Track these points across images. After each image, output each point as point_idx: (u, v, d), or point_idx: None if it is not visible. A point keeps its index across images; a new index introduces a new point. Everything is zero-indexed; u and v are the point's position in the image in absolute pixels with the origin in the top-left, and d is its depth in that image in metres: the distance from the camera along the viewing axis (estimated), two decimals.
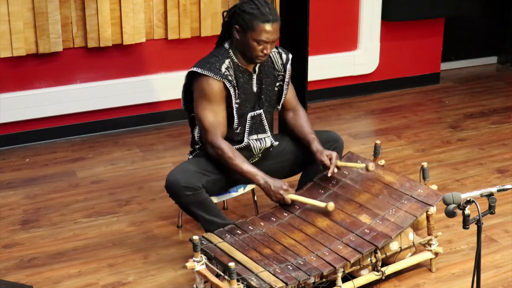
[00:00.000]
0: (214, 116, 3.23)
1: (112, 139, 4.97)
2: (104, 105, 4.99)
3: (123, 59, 4.98)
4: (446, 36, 6.10)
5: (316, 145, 3.43)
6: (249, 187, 3.57)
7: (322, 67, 5.59)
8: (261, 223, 3.26)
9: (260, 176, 3.26)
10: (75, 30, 4.75)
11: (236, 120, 3.30)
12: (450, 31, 6.16)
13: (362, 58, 5.77)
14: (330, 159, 3.38)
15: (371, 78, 5.89)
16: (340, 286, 3.03)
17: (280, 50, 3.44)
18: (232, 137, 3.34)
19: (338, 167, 3.41)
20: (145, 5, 4.90)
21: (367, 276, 3.16)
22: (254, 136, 3.40)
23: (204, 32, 5.05)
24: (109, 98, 4.97)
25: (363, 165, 3.39)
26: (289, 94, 3.52)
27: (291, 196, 3.27)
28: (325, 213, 3.26)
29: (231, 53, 3.28)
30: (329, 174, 3.38)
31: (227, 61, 3.25)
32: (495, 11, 6.64)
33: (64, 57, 4.80)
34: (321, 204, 3.22)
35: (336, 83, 5.77)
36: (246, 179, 3.35)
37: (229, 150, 3.24)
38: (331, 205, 3.19)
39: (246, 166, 3.26)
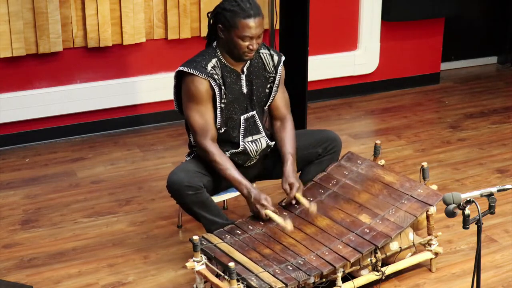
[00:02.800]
0: (202, 118, 3.23)
1: (112, 139, 4.97)
2: (104, 105, 4.99)
3: (123, 59, 4.98)
4: (446, 36, 6.10)
5: (287, 168, 3.34)
6: None
7: (322, 67, 5.59)
8: (260, 222, 3.26)
9: (244, 185, 3.23)
10: (75, 30, 4.75)
11: (219, 120, 3.27)
12: (450, 31, 6.16)
13: (362, 58, 5.77)
14: (291, 189, 3.31)
15: (371, 78, 5.89)
16: (340, 286, 3.03)
17: (272, 52, 3.42)
18: (228, 140, 3.33)
19: (295, 198, 3.33)
20: (145, 5, 4.90)
21: (367, 276, 3.16)
22: (249, 138, 3.39)
23: (204, 32, 5.05)
24: (109, 98, 4.98)
25: (307, 204, 3.26)
26: (280, 102, 3.47)
27: (267, 212, 3.22)
28: (325, 212, 3.26)
29: (219, 52, 3.27)
30: (283, 203, 3.34)
31: (213, 60, 3.24)
32: (495, 11, 6.64)
33: (64, 57, 4.80)
34: (282, 222, 3.15)
35: (336, 83, 5.77)
36: (263, 177, 3.34)
37: (216, 154, 3.23)
38: (288, 226, 3.13)
39: (231, 173, 3.23)
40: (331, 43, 5.63)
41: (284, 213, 3.32)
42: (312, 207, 3.24)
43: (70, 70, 4.86)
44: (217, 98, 3.23)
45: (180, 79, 3.29)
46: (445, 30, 6.04)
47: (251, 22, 3.13)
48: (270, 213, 3.23)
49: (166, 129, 5.14)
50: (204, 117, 3.23)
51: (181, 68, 3.23)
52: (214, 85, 3.21)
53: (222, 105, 3.26)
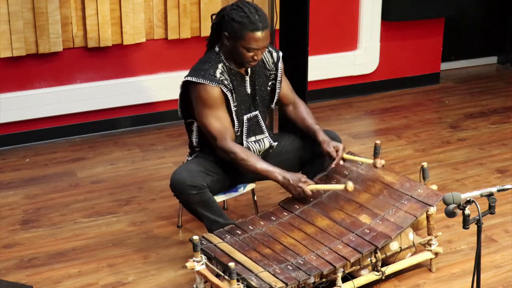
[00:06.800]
0: (219, 121, 3.23)
1: (112, 139, 4.97)
2: (104, 105, 4.99)
3: (123, 59, 4.98)
4: (446, 36, 6.10)
5: (322, 135, 3.43)
6: (249, 187, 3.57)
7: (322, 67, 5.59)
8: (261, 222, 3.26)
9: (277, 172, 3.24)
10: (75, 30, 4.75)
11: (236, 124, 3.30)
12: (450, 31, 6.16)
13: (362, 58, 5.77)
14: (337, 151, 3.39)
15: (371, 78, 5.89)
16: (340, 286, 3.03)
17: (271, 49, 3.43)
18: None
19: (344, 159, 3.42)
20: (145, 5, 4.89)
21: (367, 276, 3.16)
22: (252, 138, 3.40)
23: (204, 32, 5.05)
24: (109, 98, 4.98)
25: (370, 160, 3.38)
26: (285, 89, 3.51)
27: (311, 187, 3.25)
28: (325, 212, 3.26)
29: (223, 57, 3.27)
30: (333, 165, 3.38)
31: (220, 66, 3.24)
32: (495, 11, 6.64)
33: (64, 57, 4.80)
34: (340, 187, 3.22)
35: (336, 83, 5.77)
36: (263, 177, 3.34)
37: (241, 152, 3.23)
38: (350, 185, 3.18)
39: (260, 165, 3.24)
40: (331, 43, 5.63)
41: (285, 213, 3.32)
42: (379, 162, 3.34)
43: (70, 70, 4.86)
44: (231, 103, 3.24)
45: (187, 87, 3.28)
46: (445, 30, 6.04)
47: (259, 34, 3.14)
48: (316, 186, 3.26)
49: (166, 129, 5.14)
50: (221, 120, 3.23)
51: (189, 79, 3.22)
52: (226, 91, 3.22)
53: (235, 108, 3.27)
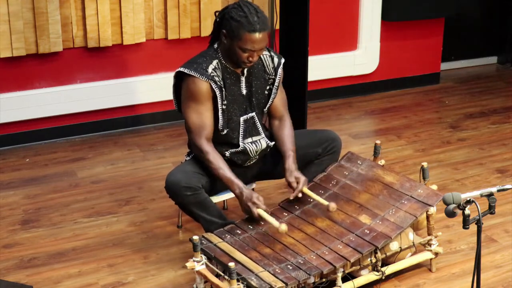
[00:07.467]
0: (198, 116, 3.22)
1: (112, 139, 4.97)
2: (104, 105, 4.99)
3: (123, 59, 4.98)
4: (446, 36, 6.10)
5: (289, 163, 3.34)
6: (249, 187, 3.56)
7: (322, 67, 5.59)
8: (261, 222, 3.25)
9: (236, 184, 3.22)
10: (75, 30, 4.75)
11: (221, 122, 3.28)
12: (450, 31, 6.16)
13: (362, 58, 5.77)
14: (298, 183, 3.31)
15: (371, 78, 5.89)
16: (340, 286, 3.03)
17: (272, 54, 3.41)
18: (227, 142, 3.33)
19: (302, 193, 3.33)
20: (145, 5, 4.89)
21: (367, 276, 3.16)
22: (249, 139, 3.39)
23: (204, 32, 5.05)
24: (109, 98, 4.97)
25: (326, 203, 3.24)
26: (278, 101, 3.47)
27: (259, 211, 3.19)
28: (325, 213, 3.26)
29: (220, 54, 3.26)
30: (291, 197, 3.32)
31: (214, 62, 3.24)
32: (495, 11, 6.64)
33: (64, 57, 4.80)
34: (275, 223, 3.09)
35: (336, 83, 5.77)
36: (266, 177, 3.33)
37: (210, 154, 3.22)
38: (283, 227, 3.06)
39: (224, 172, 3.23)
40: (331, 43, 5.63)
41: (285, 213, 3.32)
42: (332, 204, 3.23)
43: (70, 70, 4.86)
44: (218, 100, 3.23)
45: (180, 79, 3.29)
46: (445, 30, 6.04)
47: (256, 36, 3.12)
48: (262, 212, 3.19)
49: (166, 129, 5.14)
50: (201, 117, 3.23)
51: (181, 69, 3.22)
52: (215, 87, 3.21)
53: (224, 107, 3.26)
